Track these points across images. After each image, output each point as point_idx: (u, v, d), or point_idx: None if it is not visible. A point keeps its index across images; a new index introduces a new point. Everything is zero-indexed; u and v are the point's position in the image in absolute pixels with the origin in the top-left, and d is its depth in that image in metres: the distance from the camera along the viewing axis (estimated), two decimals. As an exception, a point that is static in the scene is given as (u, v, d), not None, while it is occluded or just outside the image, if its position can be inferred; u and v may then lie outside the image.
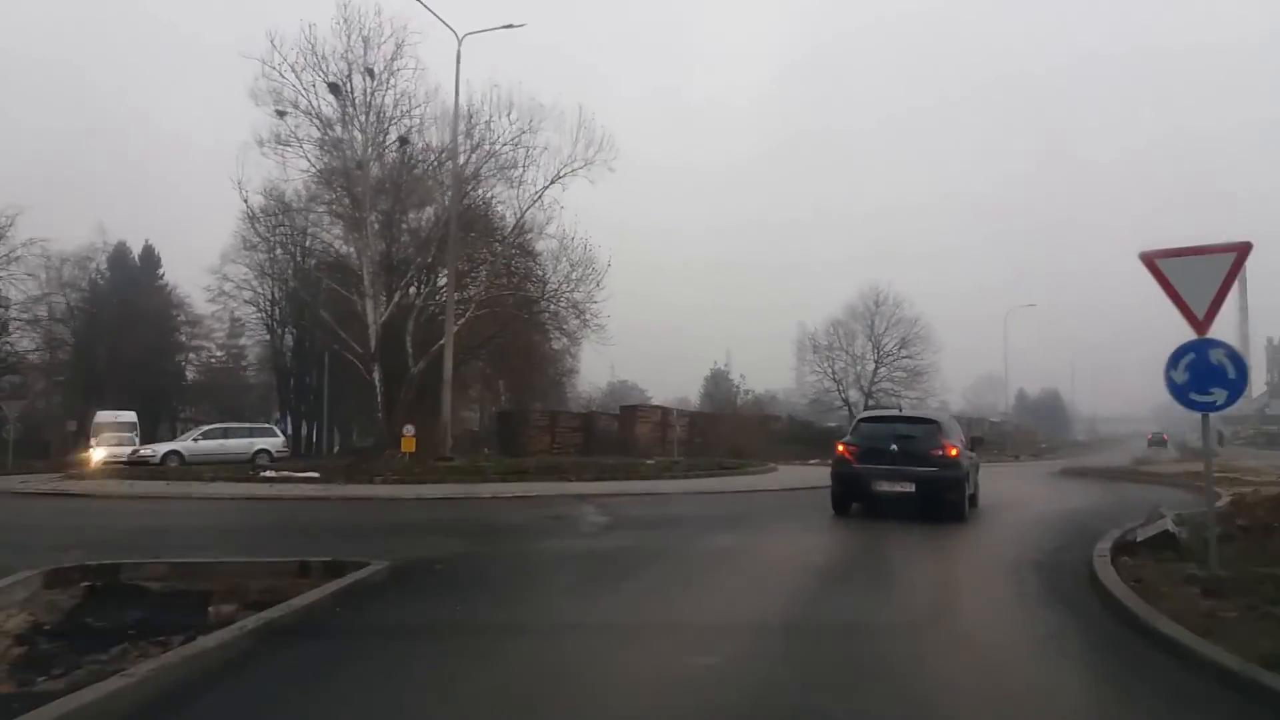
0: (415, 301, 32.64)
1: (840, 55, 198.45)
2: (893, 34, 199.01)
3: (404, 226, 33.75)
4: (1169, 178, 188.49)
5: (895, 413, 18.95)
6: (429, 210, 34.19)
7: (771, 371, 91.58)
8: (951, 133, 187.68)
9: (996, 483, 19.89)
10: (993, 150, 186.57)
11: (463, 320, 34.06)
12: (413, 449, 26.35)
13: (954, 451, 13.45)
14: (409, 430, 26.69)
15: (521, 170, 32.49)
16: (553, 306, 38.54)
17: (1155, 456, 45.59)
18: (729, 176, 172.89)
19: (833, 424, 51.92)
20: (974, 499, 14.60)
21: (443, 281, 34.85)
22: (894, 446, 13.26)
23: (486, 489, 19.45)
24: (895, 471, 13.09)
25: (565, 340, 44.43)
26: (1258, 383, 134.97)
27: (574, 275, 35.27)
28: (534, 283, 37.80)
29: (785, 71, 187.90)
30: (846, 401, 51.90)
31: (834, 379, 52.28)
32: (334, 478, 21.87)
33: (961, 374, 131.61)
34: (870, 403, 50.79)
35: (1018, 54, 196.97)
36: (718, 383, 53.24)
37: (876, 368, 51.62)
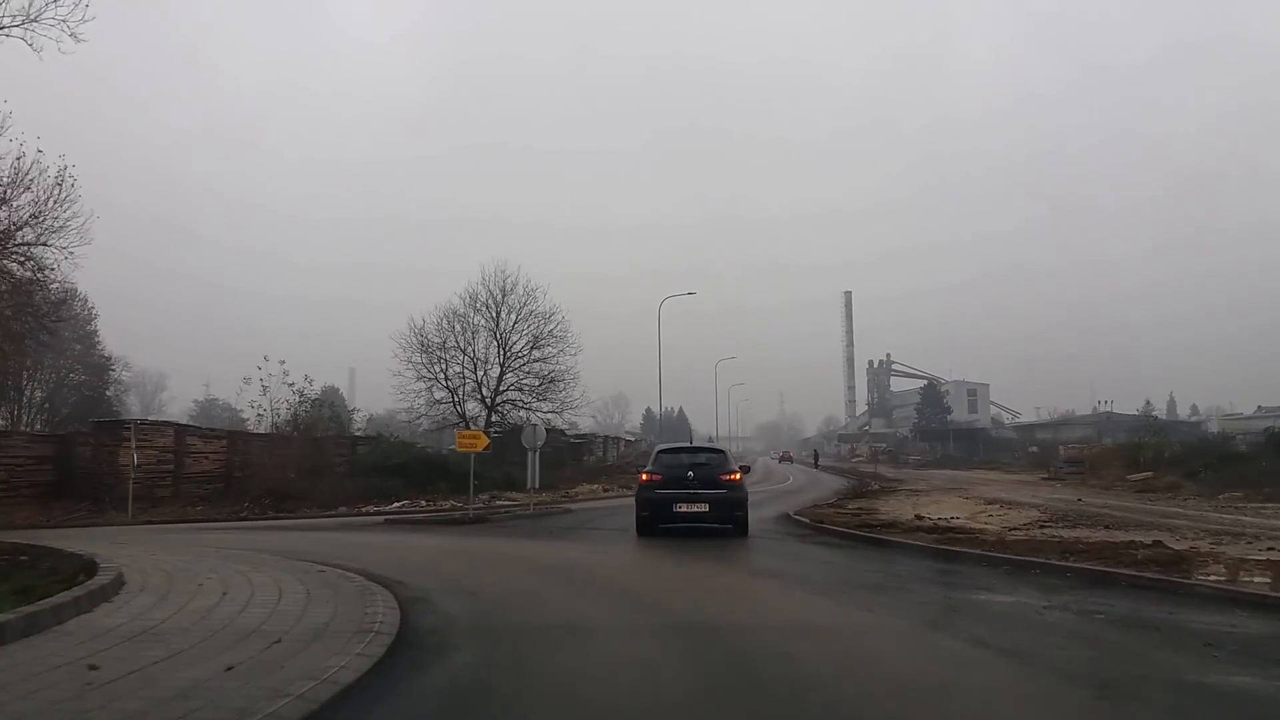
0: None
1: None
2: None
3: None
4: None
5: (688, 445, 20.94)
6: None
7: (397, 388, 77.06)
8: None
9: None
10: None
11: None
12: None
13: (738, 476, 15.84)
14: None
15: None
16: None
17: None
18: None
19: (449, 448, 39.50)
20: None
21: None
22: (690, 474, 15.52)
23: None
24: (692, 495, 15.24)
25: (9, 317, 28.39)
26: (860, 403, 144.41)
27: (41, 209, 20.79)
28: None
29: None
30: (463, 416, 39.61)
31: (448, 387, 39.74)
32: None
33: (592, 393, 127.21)
34: (494, 417, 39.21)
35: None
36: (318, 404, 38.15)
37: (503, 372, 39.99)
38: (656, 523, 15.43)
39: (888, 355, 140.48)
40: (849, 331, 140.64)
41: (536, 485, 24.43)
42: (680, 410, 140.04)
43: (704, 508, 15.06)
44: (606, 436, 68.86)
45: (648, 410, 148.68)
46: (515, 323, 39.96)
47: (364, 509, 24.57)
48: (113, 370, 62.22)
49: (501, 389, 39.95)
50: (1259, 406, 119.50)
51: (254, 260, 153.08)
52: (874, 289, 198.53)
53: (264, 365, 32.74)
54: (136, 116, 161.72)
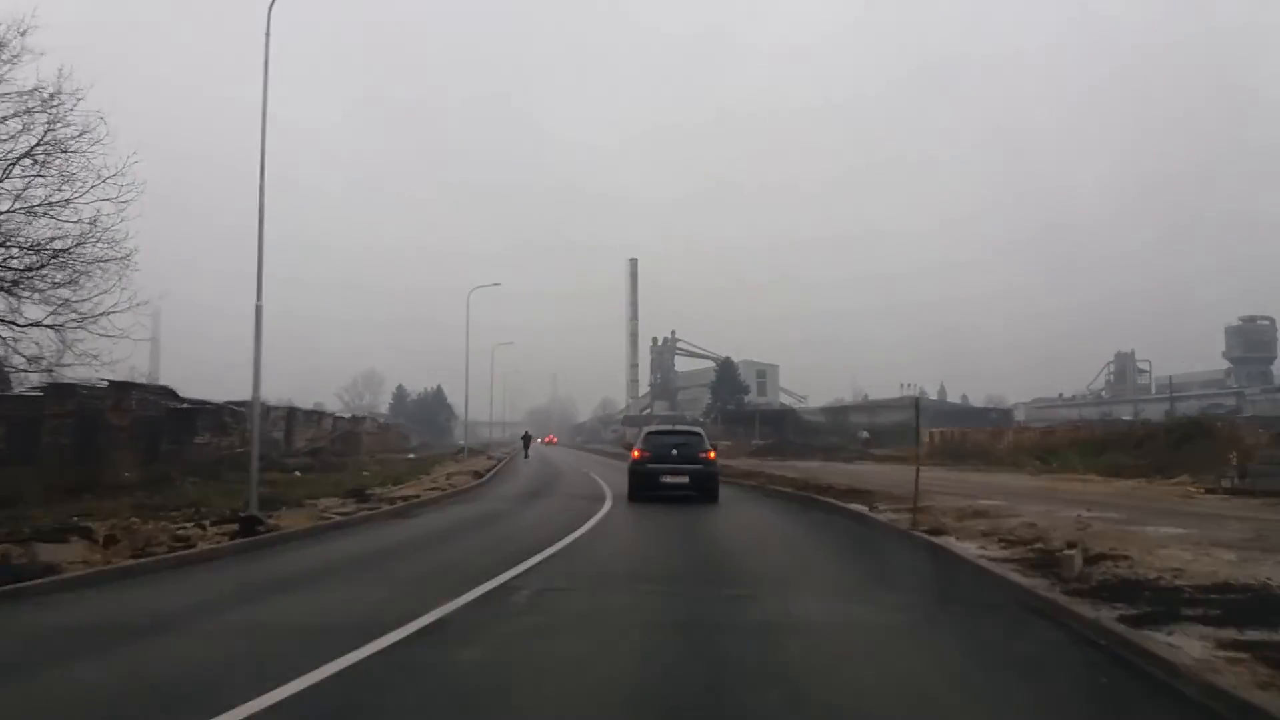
0: None
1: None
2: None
3: None
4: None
5: (672, 427, 26.03)
6: None
7: None
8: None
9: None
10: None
11: None
12: None
13: (713, 454, 20.02)
14: None
15: None
16: None
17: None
18: None
19: None
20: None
21: None
22: (674, 450, 19.27)
23: None
24: (676, 469, 18.78)
25: None
26: (643, 383, 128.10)
27: None
28: None
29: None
30: None
31: None
32: None
33: (341, 373, 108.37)
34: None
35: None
36: None
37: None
38: (645, 490, 18.67)
39: (672, 333, 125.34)
40: (633, 304, 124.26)
41: None
42: (439, 388, 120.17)
43: (684, 479, 18.47)
44: (294, 408, 45.95)
45: (399, 388, 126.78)
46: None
47: None
48: None
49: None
50: (1060, 394, 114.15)
51: None
52: (663, 276, 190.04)
53: None
54: None
